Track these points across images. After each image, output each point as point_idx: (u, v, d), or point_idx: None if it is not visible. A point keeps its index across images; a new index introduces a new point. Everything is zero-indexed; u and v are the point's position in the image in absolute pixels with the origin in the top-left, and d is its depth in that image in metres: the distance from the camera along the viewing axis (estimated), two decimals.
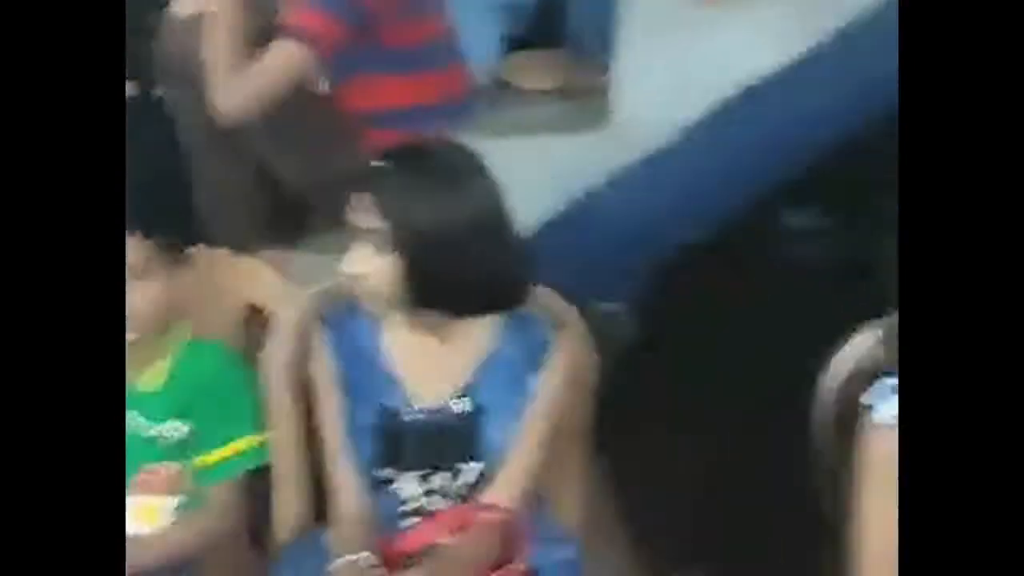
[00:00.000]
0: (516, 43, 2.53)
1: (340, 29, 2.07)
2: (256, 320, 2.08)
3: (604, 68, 2.30)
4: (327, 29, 2.07)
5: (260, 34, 2.12)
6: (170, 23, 2.19)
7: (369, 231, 1.64)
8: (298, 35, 2.07)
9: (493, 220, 1.69)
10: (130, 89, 2.36)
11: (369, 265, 1.64)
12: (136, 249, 1.78)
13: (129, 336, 1.80)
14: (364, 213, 1.64)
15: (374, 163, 1.67)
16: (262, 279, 2.09)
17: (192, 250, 1.93)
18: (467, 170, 1.70)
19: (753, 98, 2.12)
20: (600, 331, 1.89)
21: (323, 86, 2.20)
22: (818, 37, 2.10)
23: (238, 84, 2.08)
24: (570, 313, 1.83)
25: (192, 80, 2.12)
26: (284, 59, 2.08)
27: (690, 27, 2.12)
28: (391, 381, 1.73)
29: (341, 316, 1.76)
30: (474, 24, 2.44)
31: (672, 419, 2.52)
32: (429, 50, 2.20)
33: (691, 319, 2.62)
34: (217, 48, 2.10)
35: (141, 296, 1.79)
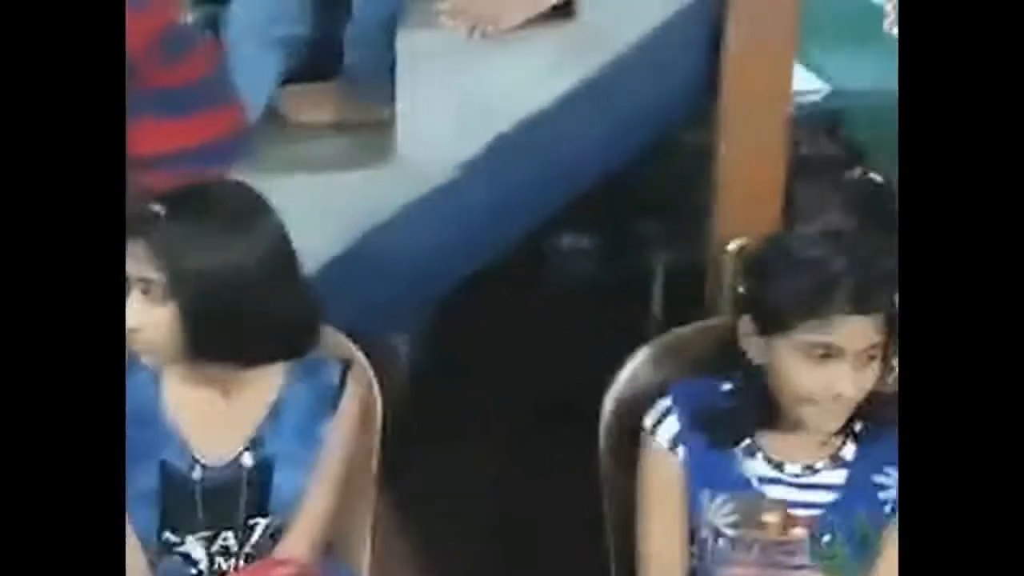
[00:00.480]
0: (293, 77, 2.50)
1: None
2: None
3: (384, 102, 2.29)
4: None
5: None
6: None
7: (144, 280, 1.59)
8: None
9: (279, 262, 1.66)
10: None
11: (144, 317, 1.58)
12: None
13: None
14: (138, 262, 1.58)
15: (148, 208, 1.62)
16: None
17: None
18: (249, 210, 1.66)
19: (529, 131, 2.15)
20: (384, 365, 1.89)
21: None
22: (590, 70, 2.15)
23: None
24: (356, 353, 1.82)
25: None
26: None
27: (468, 61, 2.13)
28: (174, 439, 1.68)
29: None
30: (249, 59, 2.40)
31: (460, 448, 2.54)
32: (199, 89, 2.14)
33: (474, 346, 2.65)
34: None
35: None
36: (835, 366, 1.59)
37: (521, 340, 2.69)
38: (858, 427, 1.70)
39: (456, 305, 2.41)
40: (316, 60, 2.49)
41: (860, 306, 1.58)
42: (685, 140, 2.43)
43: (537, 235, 2.51)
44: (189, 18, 2.19)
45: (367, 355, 1.85)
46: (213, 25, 2.44)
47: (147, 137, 2.08)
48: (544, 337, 2.70)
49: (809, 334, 1.59)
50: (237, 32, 2.42)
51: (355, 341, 1.87)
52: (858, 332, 1.59)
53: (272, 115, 2.44)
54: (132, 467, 1.64)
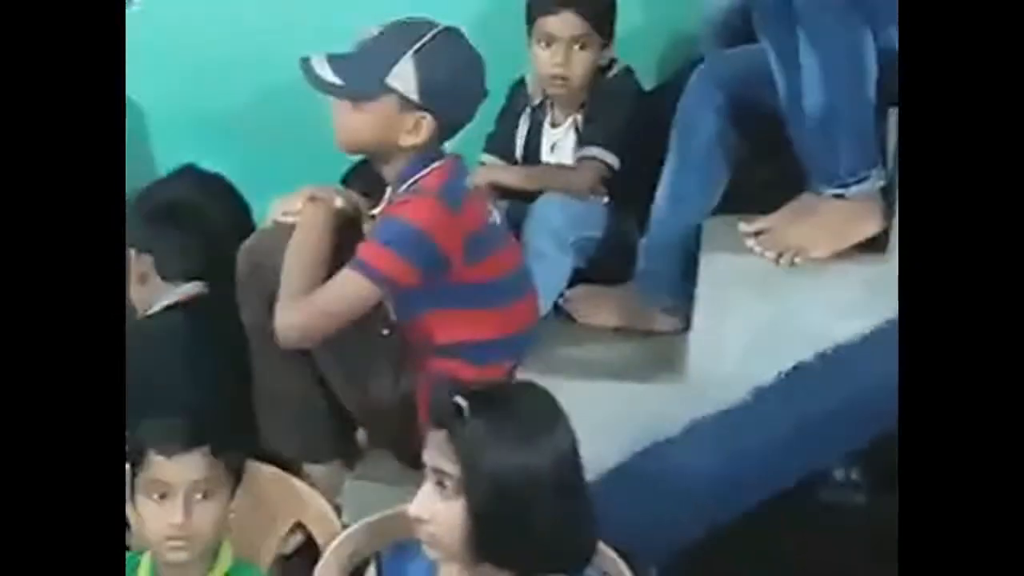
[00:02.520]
0: (584, 278, 2.53)
1: (409, 272, 2.06)
2: (296, 535, 2.03)
3: (675, 313, 2.28)
4: (396, 271, 2.05)
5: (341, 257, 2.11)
6: (259, 229, 2.18)
7: (439, 472, 1.59)
8: (366, 270, 2.05)
9: (568, 474, 1.64)
10: (199, 288, 2.36)
11: (435, 510, 1.58)
12: (206, 467, 1.75)
13: (184, 556, 1.76)
14: (437, 452, 1.59)
15: (454, 401, 1.64)
16: (311, 502, 2.05)
17: (249, 465, 1.91)
18: (546, 417, 1.65)
19: (828, 364, 2.09)
20: None
21: (390, 319, 2.17)
22: (891, 308, 2.08)
23: (300, 307, 2.05)
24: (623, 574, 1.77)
25: (265, 292, 2.10)
26: (349, 290, 2.05)
27: (773, 286, 2.10)
28: None
29: (396, 557, 1.70)
30: (544, 258, 2.45)
31: None
32: (499, 286, 2.19)
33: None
34: (292, 265, 2.09)
35: (207, 516, 1.76)
36: None
37: None
38: None
39: (732, 541, 2.32)
40: (607, 263, 2.52)
41: None
42: None
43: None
44: (497, 217, 2.24)
45: None
46: (515, 222, 2.52)
47: (448, 326, 2.14)
48: None
49: None
50: (535, 231, 2.49)
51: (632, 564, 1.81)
52: None
53: (560, 314, 2.47)
54: None
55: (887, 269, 2.06)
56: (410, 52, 2.06)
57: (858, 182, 2.08)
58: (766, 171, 2.37)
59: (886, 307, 2.06)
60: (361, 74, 2.08)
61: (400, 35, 2.09)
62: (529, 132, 2.75)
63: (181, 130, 2.84)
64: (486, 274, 2.15)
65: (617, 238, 2.53)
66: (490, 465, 1.58)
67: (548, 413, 1.67)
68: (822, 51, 2.00)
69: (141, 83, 2.54)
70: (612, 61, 2.69)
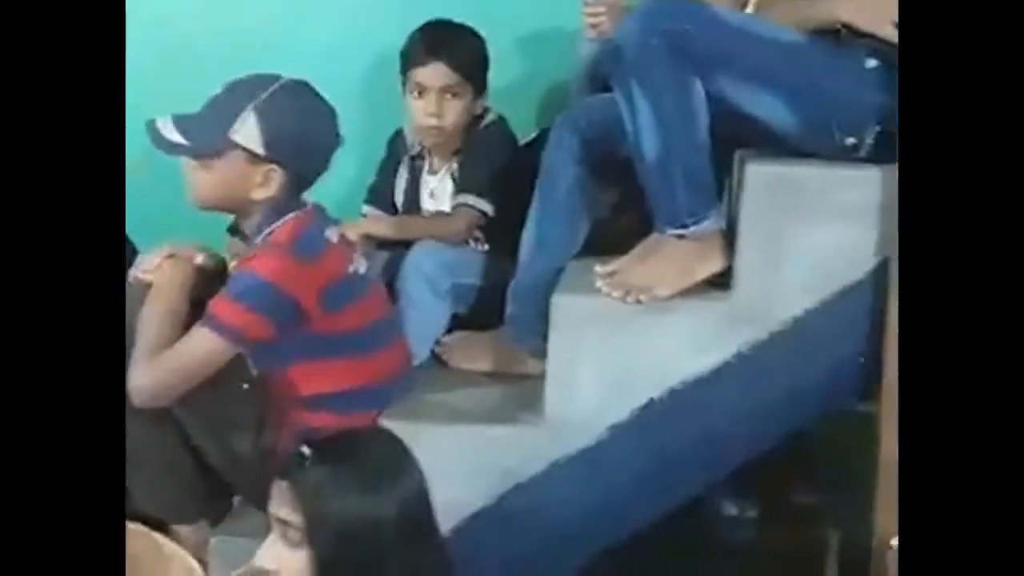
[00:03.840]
0: (459, 324, 2.58)
1: (261, 325, 2.07)
2: None
3: (539, 356, 2.33)
4: (247, 325, 2.06)
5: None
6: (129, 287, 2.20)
7: (283, 522, 1.62)
8: (216, 326, 2.06)
9: (417, 520, 1.66)
10: None
11: (282, 559, 1.60)
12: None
13: None
14: (280, 502, 1.61)
15: (297, 450, 1.66)
16: (177, 560, 2.05)
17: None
18: (393, 463, 1.68)
19: (679, 399, 2.15)
20: None
21: (251, 372, 2.18)
22: (745, 342, 2.14)
23: (151, 366, 2.05)
24: None
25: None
26: (200, 347, 2.06)
27: (621, 327, 2.16)
28: None
29: None
30: (421, 306, 2.49)
31: None
32: (364, 335, 2.21)
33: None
34: (146, 323, 2.10)
35: None
36: None
37: None
38: None
39: (611, 570, 2.36)
40: (484, 309, 2.57)
41: None
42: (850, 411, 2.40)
43: (697, 501, 2.47)
44: (362, 267, 2.27)
45: None
46: (389, 271, 2.57)
47: (311, 378, 2.17)
48: None
49: None
50: (409, 279, 2.53)
51: None
52: None
53: (436, 360, 2.52)
54: None
55: (731, 305, 2.14)
56: (251, 106, 2.09)
57: (696, 222, 2.14)
58: (629, 215, 2.42)
59: (732, 342, 2.13)
60: (205, 132, 2.11)
61: (242, 90, 2.12)
62: (408, 181, 2.80)
63: None
64: (348, 324, 2.17)
65: (493, 283, 2.58)
66: (332, 512, 1.60)
67: (396, 458, 1.69)
68: (652, 99, 2.07)
69: None
70: (486, 110, 2.75)
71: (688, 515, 2.37)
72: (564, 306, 2.19)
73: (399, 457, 1.70)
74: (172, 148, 2.13)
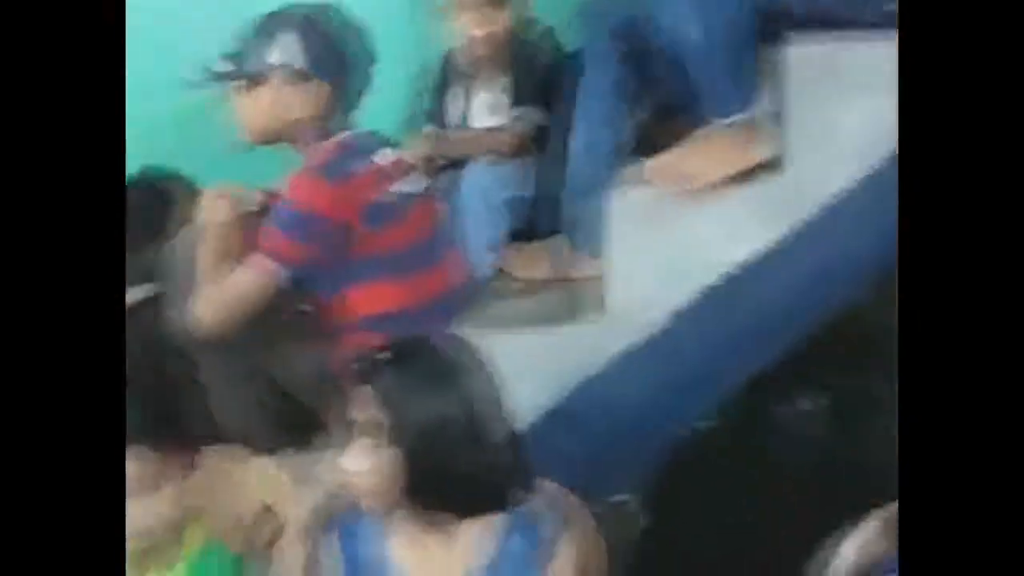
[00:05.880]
0: (516, 236, 2.61)
1: (308, 249, 2.11)
2: (268, 521, 2.10)
3: (596, 257, 2.35)
4: (292, 251, 2.11)
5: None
6: (184, 229, 2.26)
7: (369, 424, 1.66)
8: (264, 254, 2.11)
9: (491, 415, 1.70)
10: (147, 291, 2.45)
11: (368, 460, 1.66)
12: (143, 462, 1.82)
13: (141, 544, 1.84)
14: (363, 406, 1.66)
15: (374, 356, 1.71)
16: (273, 480, 2.11)
17: (206, 450, 1.97)
18: (465, 364, 1.72)
19: (735, 282, 2.16)
20: (608, 524, 1.88)
21: (309, 296, 2.21)
22: (797, 220, 2.15)
23: (210, 295, 2.13)
24: (576, 508, 1.82)
25: (186, 289, 2.18)
26: (252, 276, 2.12)
27: (675, 216, 2.17)
28: None
29: (348, 519, 1.77)
30: (478, 220, 2.53)
31: None
32: (415, 253, 2.22)
33: (693, 510, 2.60)
34: (204, 258, 2.17)
35: (150, 510, 1.83)
36: None
37: (742, 505, 2.62)
38: None
39: (679, 465, 2.39)
40: (540, 219, 2.60)
41: None
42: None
43: (762, 393, 2.48)
44: (414, 187, 2.30)
45: (595, 513, 1.84)
46: (445, 189, 2.61)
47: (366, 299, 2.19)
48: (765, 503, 2.63)
49: None
50: (468, 195, 2.57)
51: (584, 498, 1.85)
52: None
53: (495, 272, 2.55)
54: None
55: (782, 187, 2.15)
56: (290, 27, 2.14)
57: (741, 110, 2.14)
58: (673, 116, 2.43)
59: (784, 222, 2.14)
60: (247, 58, 2.16)
61: (280, 16, 2.16)
62: (459, 99, 2.82)
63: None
64: (398, 243, 2.19)
65: (548, 194, 2.60)
66: (413, 412, 1.65)
67: (468, 359, 1.73)
68: None
69: None
70: (531, 21, 2.76)
71: (762, 411, 2.39)
72: (618, 202, 2.20)
73: (471, 358, 1.74)
74: (220, 77, 2.18)
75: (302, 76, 2.15)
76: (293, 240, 2.11)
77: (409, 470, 1.65)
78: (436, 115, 2.86)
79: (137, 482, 1.82)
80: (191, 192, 2.57)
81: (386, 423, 1.64)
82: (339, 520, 1.78)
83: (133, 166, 2.73)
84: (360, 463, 1.65)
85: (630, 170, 2.33)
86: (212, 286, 2.13)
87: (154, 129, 2.93)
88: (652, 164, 2.24)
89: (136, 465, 1.81)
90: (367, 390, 1.67)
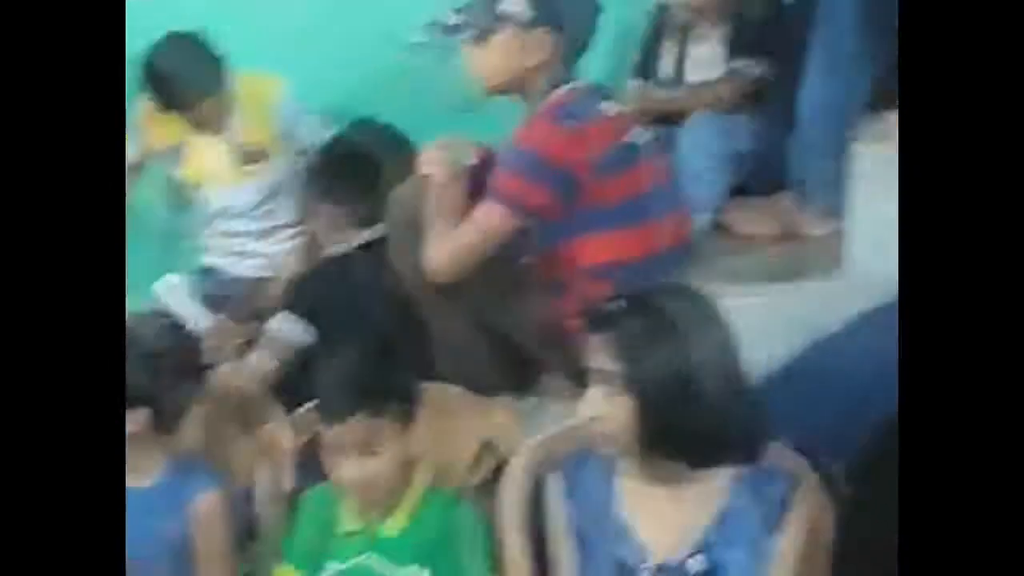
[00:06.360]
0: (738, 191, 2.55)
1: (542, 193, 2.12)
2: (488, 460, 2.11)
3: (832, 214, 2.28)
4: (527, 195, 2.12)
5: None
6: (413, 178, 2.27)
7: (604, 372, 1.65)
8: (501, 200, 2.13)
9: (728, 368, 1.68)
10: (374, 233, 2.48)
11: (604, 407, 1.65)
12: (367, 429, 1.84)
13: (367, 495, 1.88)
14: (599, 354, 1.65)
15: (608, 306, 1.69)
16: (496, 419, 2.14)
17: (427, 390, 1.98)
18: (701, 316, 1.69)
19: None
20: (834, 489, 1.83)
21: (535, 244, 2.23)
22: None
23: (445, 243, 2.16)
24: (805, 469, 1.79)
25: (415, 236, 2.21)
26: (487, 221, 2.14)
27: None
28: (624, 533, 1.72)
29: (575, 463, 1.77)
30: (699, 174, 2.48)
31: None
32: (642, 204, 2.22)
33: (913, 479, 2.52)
34: (434, 208, 2.20)
35: (381, 467, 1.85)
36: None
37: None
38: None
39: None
40: (762, 174, 2.53)
41: None
42: None
43: None
44: (638, 138, 2.28)
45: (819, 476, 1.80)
46: (667, 142, 2.56)
47: (591, 249, 2.19)
48: None
49: None
50: (688, 150, 2.52)
51: (807, 460, 1.82)
52: None
53: (718, 227, 2.50)
54: (585, 557, 1.72)
55: None
56: None
57: None
58: None
59: None
60: (476, 12, 2.18)
61: None
62: (674, 52, 2.78)
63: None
64: (624, 193, 2.19)
65: (769, 148, 2.54)
66: (651, 360, 1.63)
67: (703, 310, 1.70)
68: None
69: None
70: None
71: None
72: (866, 157, 2.13)
73: (706, 307, 1.71)
74: (451, 32, 2.19)
75: (530, 26, 2.14)
76: (527, 183, 2.12)
77: (643, 419, 1.64)
78: (649, 69, 2.82)
79: (357, 447, 1.85)
80: (409, 146, 2.60)
81: (621, 372, 1.63)
82: (564, 463, 1.78)
83: (351, 116, 2.82)
84: (596, 409, 1.65)
85: (872, 126, 2.24)
86: (443, 235, 2.17)
87: (374, 85, 2.99)
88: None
89: (358, 430, 1.84)
90: (601, 339, 1.65)
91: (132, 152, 2.81)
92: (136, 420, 1.89)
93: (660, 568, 1.69)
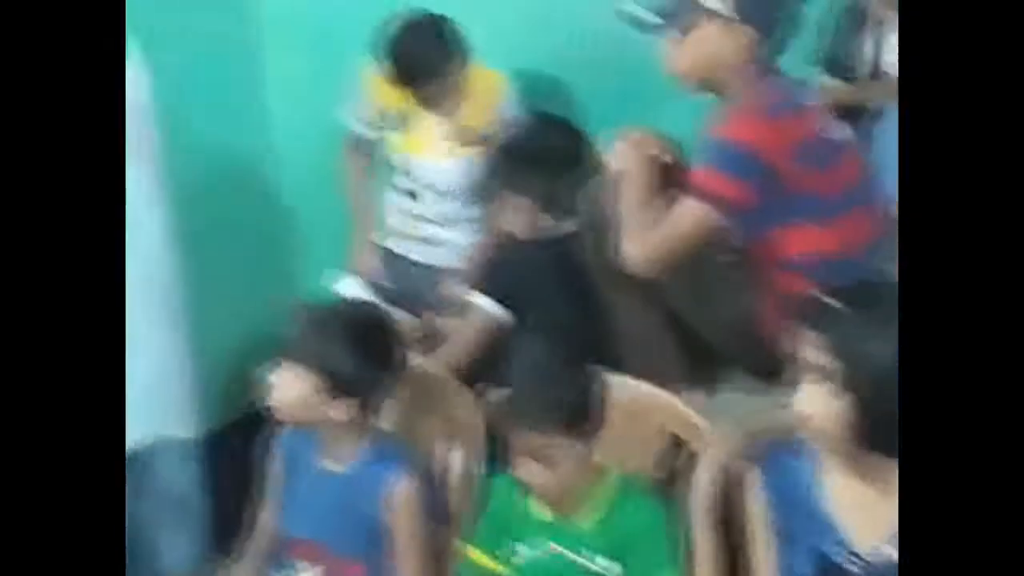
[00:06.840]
0: None
1: (743, 189, 2.09)
2: (677, 453, 2.10)
3: None
4: (730, 190, 2.10)
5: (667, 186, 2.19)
6: (605, 172, 2.28)
7: (819, 368, 1.62)
8: (703, 196, 2.11)
9: None
10: (570, 227, 2.50)
11: (822, 405, 1.62)
12: (552, 441, 1.86)
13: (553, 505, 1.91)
14: (814, 351, 1.62)
15: (826, 300, 1.66)
16: (682, 414, 2.13)
17: (611, 385, 1.99)
18: None
19: None
20: None
21: (734, 242, 2.20)
22: None
23: (647, 239, 2.15)
24: None
25: (608, 227, 2.21)
26: (691, 219, 2.12)
27: None
28: (829, 527, 1.69)
29: (778, 456, 1.75)
30: (893, 168, 2.41)
31: None
32: (840, 198, 2.17)
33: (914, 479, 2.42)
34: (630, 203, 2.20)
35: (559, 476, 1.87)
36: None
37: None
38: None
39: None
40: None
41: None
42: None
43: None
44: (836, 133, 2.24)
45: None
46: (864, 136, 2.51)
47: (791, 242, 2.16)
48: None
49: None
50: (886, 143, 2.45)
51: None
52: None
53: None
54: (787, 550, 1.71)
55: None
56: None
57: None
58: None
59: None
60: (676, 7, 2.16)
61: None
62: (869, 46, 2.72)
63: None
64: (825, 186, 2.15)
65: None
66: (869, 357, 1.59)
67: None
68: None
69: None
70: None
71: None
72: None
73: None
74: (648, 28, 2.18)
75: (731, 21, 2.13)
76: (733, 179, 2.10)
77: (863, 417, 1.60)
78: (846, 62, 2.77)
79: (541, 458, 1.87)
80: (590, 141, 2.61)
81: (840, 370, 1.60)
82: (763, 457, 1.77)
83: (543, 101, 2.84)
84: (811, 406, 1.62)
85: None
86: (642, 232, 2.16)
87: (566, 74, 3.01)
88: None
89: (543, 441, 1.86)
90: (815, 336, 1.62)
91: (359, 113, 2.87)
92: (340, 408, 1.95)
93: (867, 563, 1.67)
